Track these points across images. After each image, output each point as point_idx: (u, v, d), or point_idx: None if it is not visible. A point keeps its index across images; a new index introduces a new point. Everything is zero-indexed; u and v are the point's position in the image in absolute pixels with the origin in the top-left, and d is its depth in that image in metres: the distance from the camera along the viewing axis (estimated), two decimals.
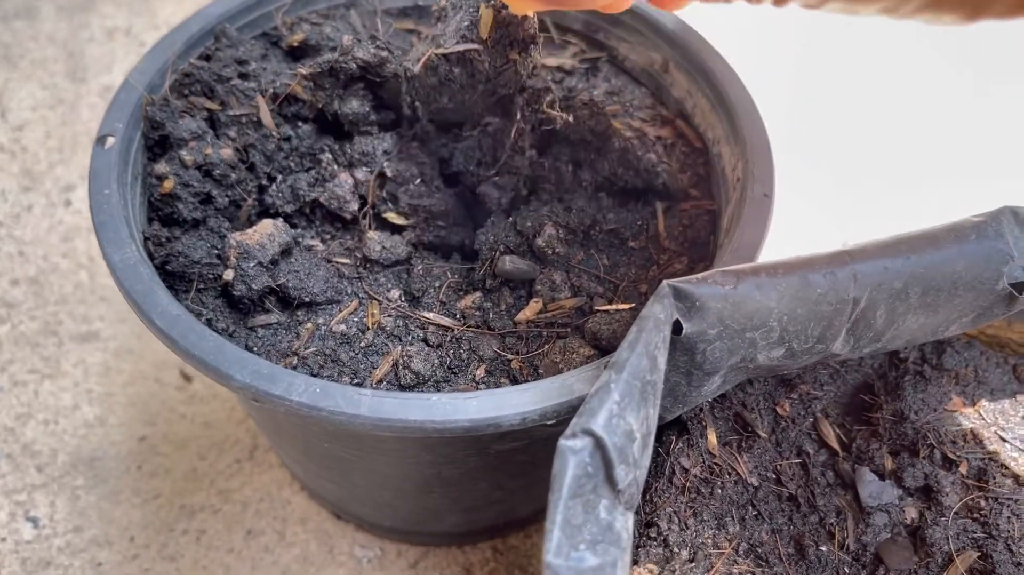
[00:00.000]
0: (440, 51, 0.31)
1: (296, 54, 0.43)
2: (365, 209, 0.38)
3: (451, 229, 0.39)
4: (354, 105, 0.39)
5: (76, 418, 0.53)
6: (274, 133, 0.39)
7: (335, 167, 0.39)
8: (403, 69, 0.35)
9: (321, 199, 0.38)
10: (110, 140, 0.37)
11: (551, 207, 0.37)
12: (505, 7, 0.30)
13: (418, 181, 0.38)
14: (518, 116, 0.34)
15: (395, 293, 0.37)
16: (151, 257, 0.36)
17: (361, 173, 0.39)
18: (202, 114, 0.39)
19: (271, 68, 0.41)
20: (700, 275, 0.29)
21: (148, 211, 0.38)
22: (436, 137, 0.39)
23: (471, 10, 0.31)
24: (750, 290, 0.29)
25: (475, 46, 0.31)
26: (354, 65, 0.38)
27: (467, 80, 0.32)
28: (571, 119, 0.38)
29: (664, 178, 0.39)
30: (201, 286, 0.37)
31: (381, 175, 0.38)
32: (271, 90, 0.40)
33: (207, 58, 0.42)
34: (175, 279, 0.36)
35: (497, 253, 0.36)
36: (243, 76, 0.41)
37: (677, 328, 0.29)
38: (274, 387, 0.30)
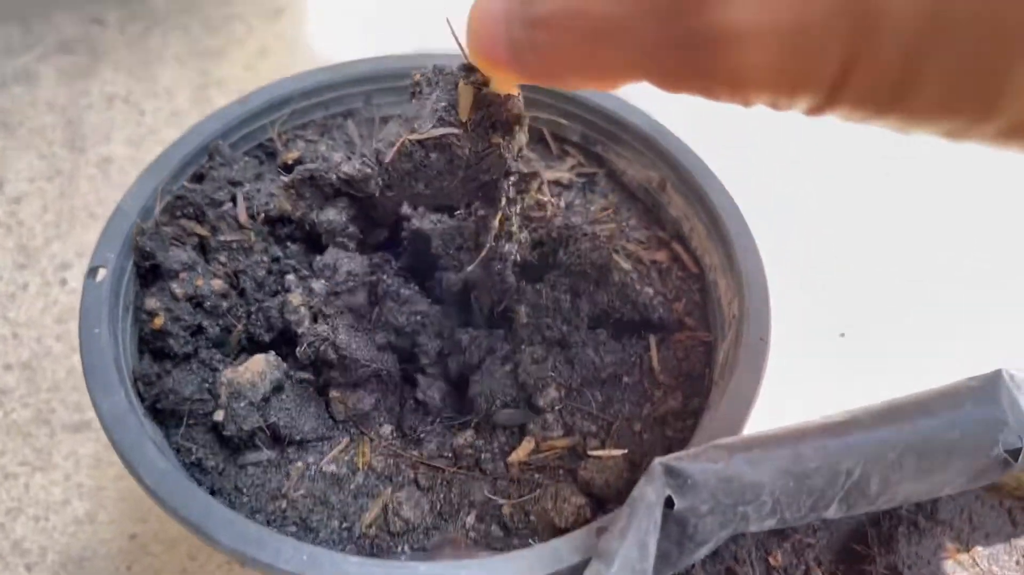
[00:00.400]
0: (415, 136, 0.29)
1: (291, 171, 0.43)
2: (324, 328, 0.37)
3: (432, 340, 0.38)
4: (331, 215, 0.39)
5: (67, 514, 0.52)
6: (264, 258, 0.39)
7: (294, 281, 0.38)
8: (374, 152, 0.33)
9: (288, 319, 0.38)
10: (101, 272, 0.37)
11: (554, 360, 0.36)
12: (486, 84, 0.28)
13: (397, 294, 0.38)
14: (503, 202, 0.31)
15: (387, 429, 0.37)
16: (141, 398, 0.36)
17: (318, 284, 0.38)
18: (193, 240, 0.39)
19: (264, 189, 0.41)
20: (692, 451, 0.29)
21: (139, 343, 0.38)
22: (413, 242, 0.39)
23: (448, 88, 0.28)
24: (742, 466, 0.29)
25: (454, 130, 0.28)
26: (334, 177, 0.38)
27: (445, 166, 0.29)
28: (574, 252, 0.38)
29: (660, 312, 0.38)
30: (191, 421, 0.36)
31: (335, 292, 0.37)
32: (263, 214, 0.40)
33: (200, 178, 0.41)
34: (165, 415, 0.36)
35: (494, 407, 0.36)
36: (235, 199, 0.40)
37: (669, 502, 0.29)
38: (261, 553, 0.30)
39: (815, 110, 0.18)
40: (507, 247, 0.34)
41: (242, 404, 0.35)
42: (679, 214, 0.43)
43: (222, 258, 0.39)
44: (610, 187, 0.46)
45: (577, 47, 0.19)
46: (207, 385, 0.37)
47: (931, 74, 0.16)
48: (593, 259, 0.38)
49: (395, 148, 0.29)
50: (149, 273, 0.39)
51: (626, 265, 0.39)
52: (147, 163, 0.42)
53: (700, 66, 0.17)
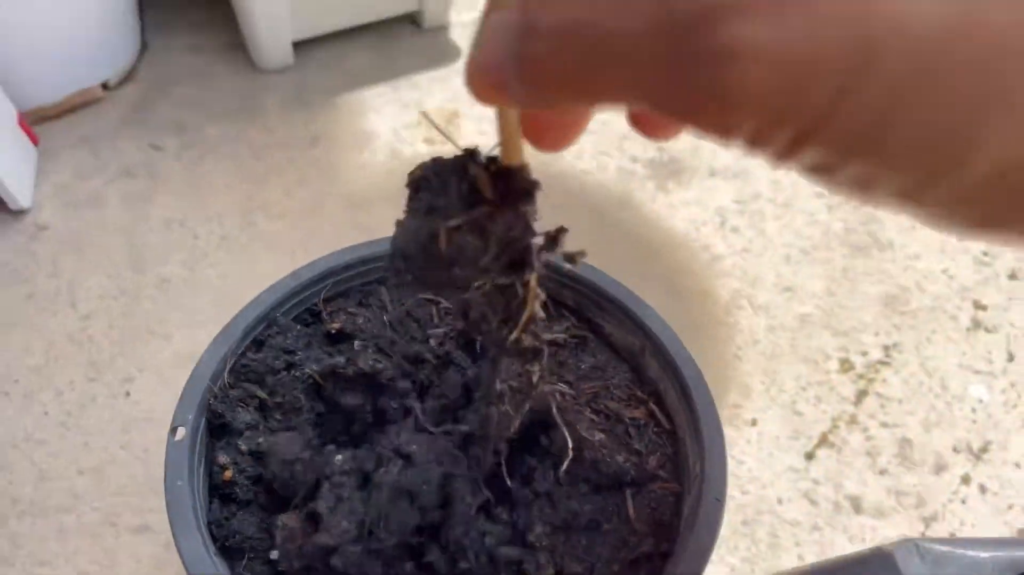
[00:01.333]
0: (452, 223, 0.29)
1: (334, 339, 0.52)
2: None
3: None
4: (349, 399, 0.48)
5: None
6: (310, 415, 0.48)
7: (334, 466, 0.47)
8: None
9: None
10: (180, 431, 0.45)
11: (539, 505, 0.45)
12: (494, 161, 0.29)
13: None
14: (535, 264, 0.31)
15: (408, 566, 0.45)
16: (214, 539, 0.44)
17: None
18: (254, 403, 0.48)
19: (313, 355, 0.50)
20: None
21: (209, 489, 0.46)
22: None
23: (459, 174, 0.29)
24: None
25: (485, 209, 0.28)
26: (351, 371, 0.47)
27: (480, 245, 0.29)
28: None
29: (632, 473, 0.46)
30: (252, 555, 0.45)
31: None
32: (312, 379, 0.49)
33: (260, 344, 0.50)
34: (232, 552, 0.45)
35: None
36: (289, 366, 0.49)
37: None
38: None
39: (788, 150, 0.18)
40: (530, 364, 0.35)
41: (295, 546, 0.43)
42: (656, 375, 0.51)
43: (278, 416, 0.48)
44: (599, 347, 0.54)
45: (580, 60, 0.19)
46: (265, 526, 0.45)
47: (909, 119, 0.16)
48: (568, 442, 0.46)
49: (442, 240, 0.29)
50: (218, 429, 0.47)
51: (598, 437, 0.48)
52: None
53: (697, 83, 0.17)
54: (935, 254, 0.82)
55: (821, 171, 0.18)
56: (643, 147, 0.94)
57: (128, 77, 1.01)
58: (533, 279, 0.31)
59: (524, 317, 0.32)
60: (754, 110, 0.17)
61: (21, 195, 0.84)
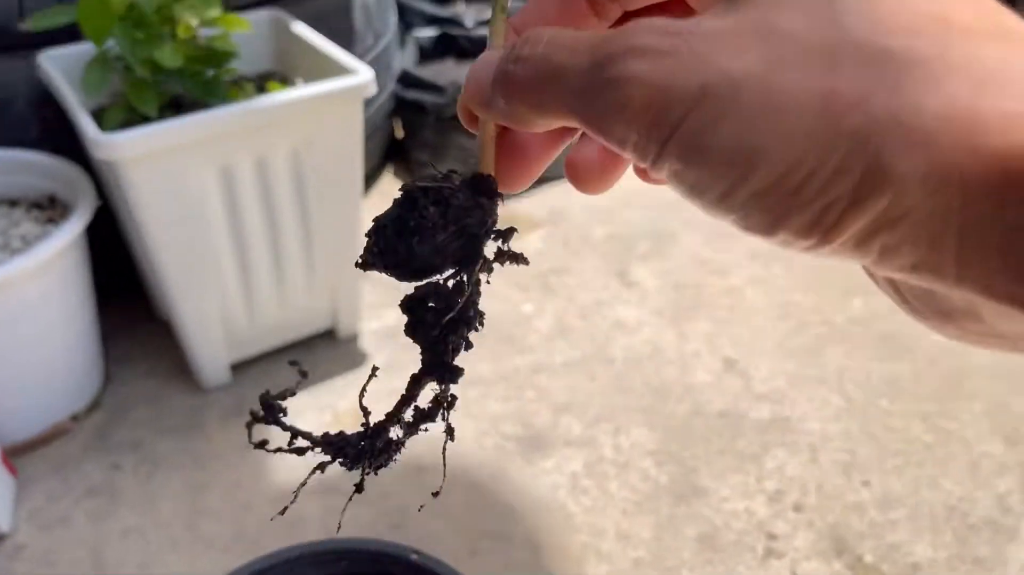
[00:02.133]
0: (421, 183, 0.32)
1: None
2: None
3: None
4: None
5: None
6: None
7: None
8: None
9: None
10: None
11: None
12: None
13: None
14: (482, 259, 0.33)
15: None
16: None
17: None
18: None
19: None
20: None
21: None
22: None
23: (437, 177, 0.32)
24: None
25: (451, 184, 0.32)
26: None
27: (439, 219, 0.31)
28: None
29: None
30: None
31: None
32: None
33: None
34: None
35: None
36: None
37: None
38: None
39: (656, 157, 0.23)
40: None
41: None
42: None
43: None
44: None
45: (539, 80, 0.25)
46: None
47: (722, 137, 0.22)
48: None
49: (400, 192, 0.32)
50: None
51: None
52: None
53: (604, 101, 0.23)
54: (739, 497, 1.03)
55: (674, 179, 0.24)
56: (514, 425, 1.16)
57: (94, 406, 1.23)
58: (478, 272, 0.32)
59: (461, 304, 0.33)
60: (635, 121, 0.23)
61: (3, 521, 1.03)
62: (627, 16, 0.30)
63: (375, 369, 0.34)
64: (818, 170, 0.21)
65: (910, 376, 1.26)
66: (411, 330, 0.34)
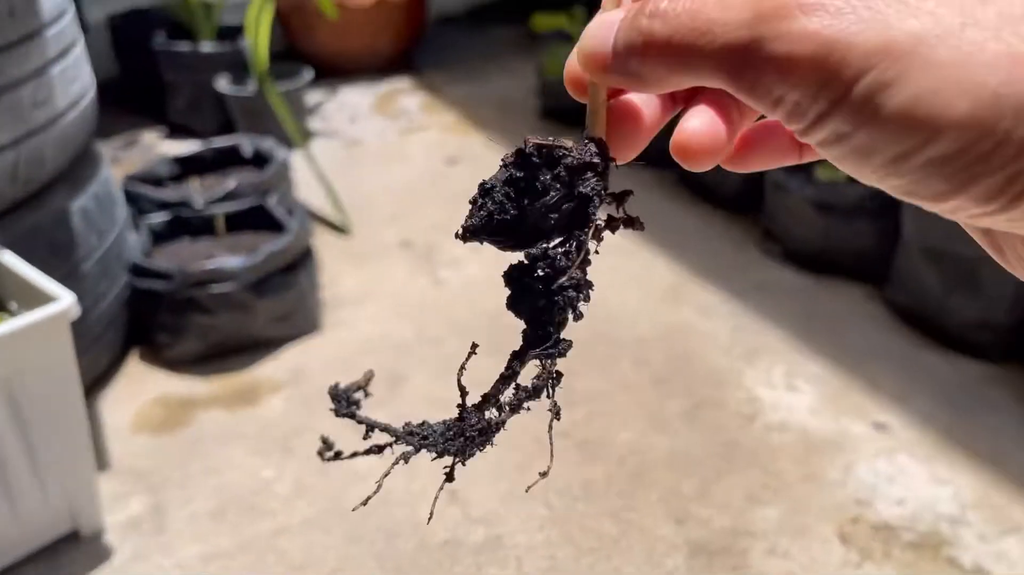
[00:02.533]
0: (536, 140, 0.31)
1: None
2: None
3: None
4: None
5: None
6: None
7: None
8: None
9: None
10: None
11: None
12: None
13: None
14: (591, 227, 0.32)
15: None
16: None
17: None
18: None
19: None
20: None
21: None
22: None
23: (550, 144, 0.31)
24: None
25: (567, 144, 0.31)
26: None
27: (551, 181, 0.31)
28: None
29: None
30: None
31: None
32: None
33: None
34: None
35: None
36: None
37: None
38: None
39: (816, 120, 0.23)
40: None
41: None
42: None
43: None
44: None
45: (687, 37, 0.24)
46: None
47: (903, 100, 0.21)
48: None
49: (512, 153, 0.31)
50: None
51: None
52: None
53: (764, 55, 0.23)
54: None
55: (835, 142, 0.23)
56: None
57: None
58: (590, 238, 0.31)
59: (572, 270, 0.31)
60: (799, 80, 0.22)
61: None
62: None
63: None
64: (1011, 134, 0.21)
65: (603, 478, 1.47)
66: (514, 302, 0.32)
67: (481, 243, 0.32)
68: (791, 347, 1.79)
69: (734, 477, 1.47)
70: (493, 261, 2.07)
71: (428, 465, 1.33)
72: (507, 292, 0.32)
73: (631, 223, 0.32)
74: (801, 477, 1.47)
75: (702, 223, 2.27)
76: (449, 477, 0.35)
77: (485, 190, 0.31)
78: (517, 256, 0.32)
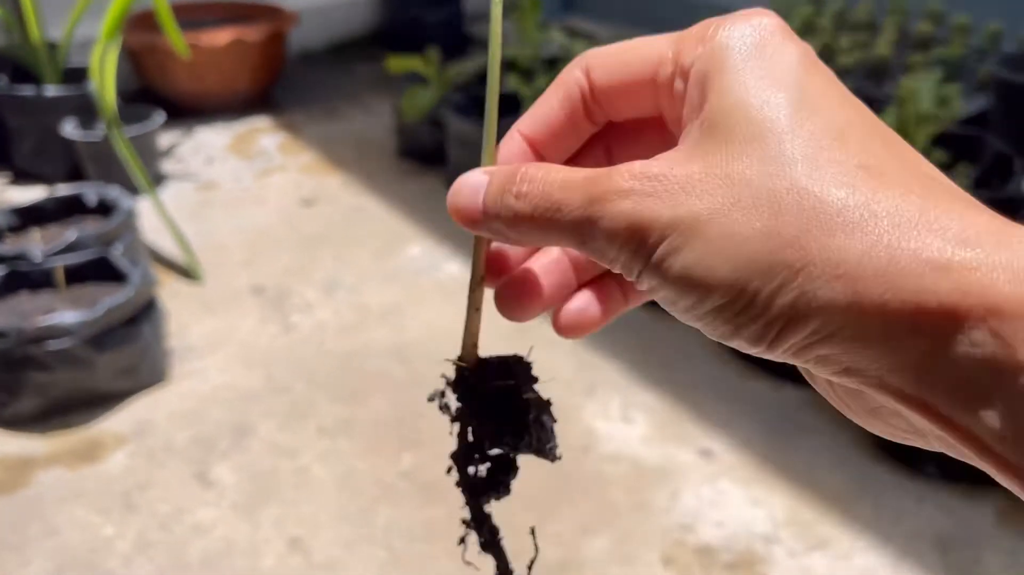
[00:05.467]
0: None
1: None
2: None
3: None
4: None
5: None
6: None
7: None
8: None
9: None
10: None
11: None
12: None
13: None
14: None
15: None
16: None
17: None
18: None
19: None
20: None
21: None
22: None
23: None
24: None
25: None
26: None
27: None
28: None
29: None
30: None
31: None
32: None
33: None
34: None
35: None
36: None
37: None
38: None
39: (639, 277, 0.29)
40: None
41: None
42: None
43: None
44: None
45: (538, 214, 0.30)
46: None
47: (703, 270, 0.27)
48: None
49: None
50: None
51: None
52: None
53: (595, 227, 0.28)
54: None
55: (651, 292, 0.29)
56: None
57: None
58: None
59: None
60: (624, 247, 0.28)
61: None
62: (611, 124, 0.35)
63: None
64: (759, 294, 0.25)
65: (444, 517, 1.53)
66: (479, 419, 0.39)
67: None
68: (629, 379, 1.89)
69: (568, 509, 1.55)
70: (344, 307, 2.11)
71: (270, 515, 1.35)
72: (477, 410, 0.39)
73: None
74: (631, 506, 1.57)
75: None
76: None
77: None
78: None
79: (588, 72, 0.33)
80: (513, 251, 0.36)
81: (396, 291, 2.20)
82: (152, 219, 2.32)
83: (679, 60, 0.30)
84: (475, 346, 0.38)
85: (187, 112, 3.18)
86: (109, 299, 1.73)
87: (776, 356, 0.27)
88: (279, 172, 2.86)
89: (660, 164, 0.28)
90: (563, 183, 0.30)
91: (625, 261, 0.29)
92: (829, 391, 0.30)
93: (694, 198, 0.27)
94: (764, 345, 0.27)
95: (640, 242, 0.28)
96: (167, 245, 2.31)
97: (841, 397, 0.29)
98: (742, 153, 0.26)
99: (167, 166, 2.86)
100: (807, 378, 0.30)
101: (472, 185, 0.32)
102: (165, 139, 2.98)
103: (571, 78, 0.33)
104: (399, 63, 2.72)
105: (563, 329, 0.36)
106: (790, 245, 0.25)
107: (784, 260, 0.25)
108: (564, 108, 0.34)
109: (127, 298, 1.74)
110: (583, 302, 0.36)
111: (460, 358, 0.38)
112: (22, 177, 2.74)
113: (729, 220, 0.26)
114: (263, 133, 3.16)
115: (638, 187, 0.28)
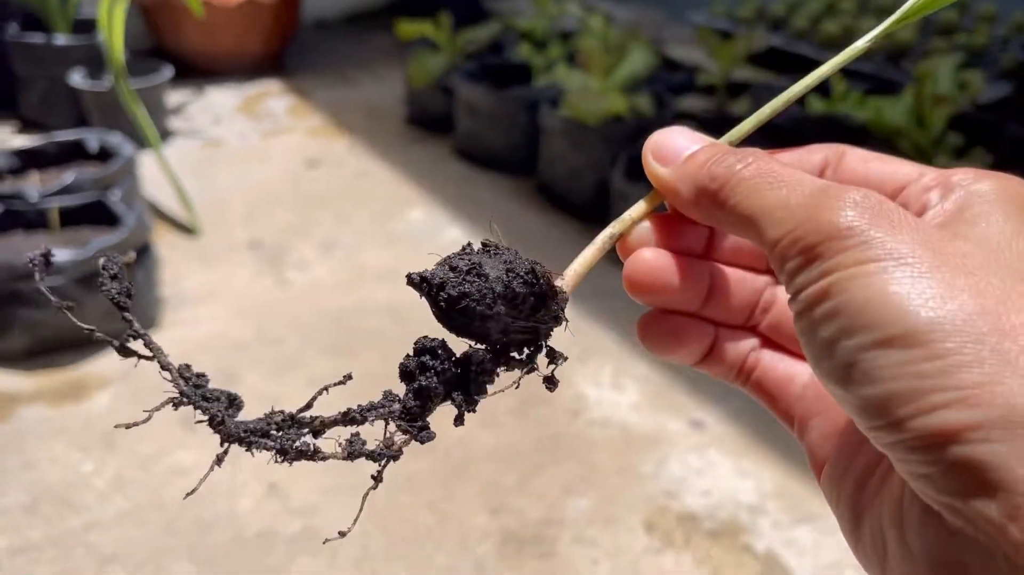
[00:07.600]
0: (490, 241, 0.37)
1: None
2: None
3: None
4: None
5: None
6: None
7: None
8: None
9: None
10: None
11: None
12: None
13: None
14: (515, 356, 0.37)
15: None
16: None
17: None
18: None
19: None
20: None
21: None
22: None
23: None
24: None
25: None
26: None
27: (506, 290, 0.34)
28: None
29: None
30: None
31: None
32: None
33: None
34: None
35: None
36: None
37: None
38: None
39: (795, 292, 0.29)
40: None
41: None
42: None
43: None
44: None
45: (760, 179, 0.30)
46: None
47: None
48: None
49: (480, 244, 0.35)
50: None
51: None
52: None
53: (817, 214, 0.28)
54: None
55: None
56: None
57: None
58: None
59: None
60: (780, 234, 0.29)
61: None
62: (713, 244, 0.38)
63: None
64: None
65: (427, 471, 1.51)
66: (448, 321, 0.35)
67: (435, 304, 0.34)
68: (623, 349, 1.87)
69: (553, 469, 1.53)
70: (342, 265, 2.09)
71: (250, 460, 1.32)
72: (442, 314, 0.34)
73: (548, 381, 0.36)
74: (616, 470, 1.54)
75: (554, 229, 2.34)
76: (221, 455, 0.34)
77: (473, 268, 0.34)
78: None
79: (843, 153, 0.35)
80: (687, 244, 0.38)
81: (395, 253, 2.18)
82: (155, 173, 2.31)
83: (946, 175, 0.33)
84: (580, 279, 0.37)
85: (198, 72, 3.18)
86: (100, 240, 1.72)
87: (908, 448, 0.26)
88: (286, 133, 2.85)
89: (888, 165, 0.35)
90: (792, 172, 0.30)
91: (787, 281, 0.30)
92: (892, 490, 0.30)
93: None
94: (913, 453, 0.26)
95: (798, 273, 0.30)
96: (168, 200, 2.30)
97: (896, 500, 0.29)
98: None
99: (175, 123, 2.85)
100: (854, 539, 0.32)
101: (690, 135, 0.34)
102: (175, 97, 2.97)
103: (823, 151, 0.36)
104: (410, 28, 2.70)
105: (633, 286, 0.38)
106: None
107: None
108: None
109: (120, 239, 1.73)
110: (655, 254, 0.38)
111: (562, 279, 0.37)
112: (29, 126, 2.74)
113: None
114: (272, 96, 3.15)
115: (861, 200, 0.28)
